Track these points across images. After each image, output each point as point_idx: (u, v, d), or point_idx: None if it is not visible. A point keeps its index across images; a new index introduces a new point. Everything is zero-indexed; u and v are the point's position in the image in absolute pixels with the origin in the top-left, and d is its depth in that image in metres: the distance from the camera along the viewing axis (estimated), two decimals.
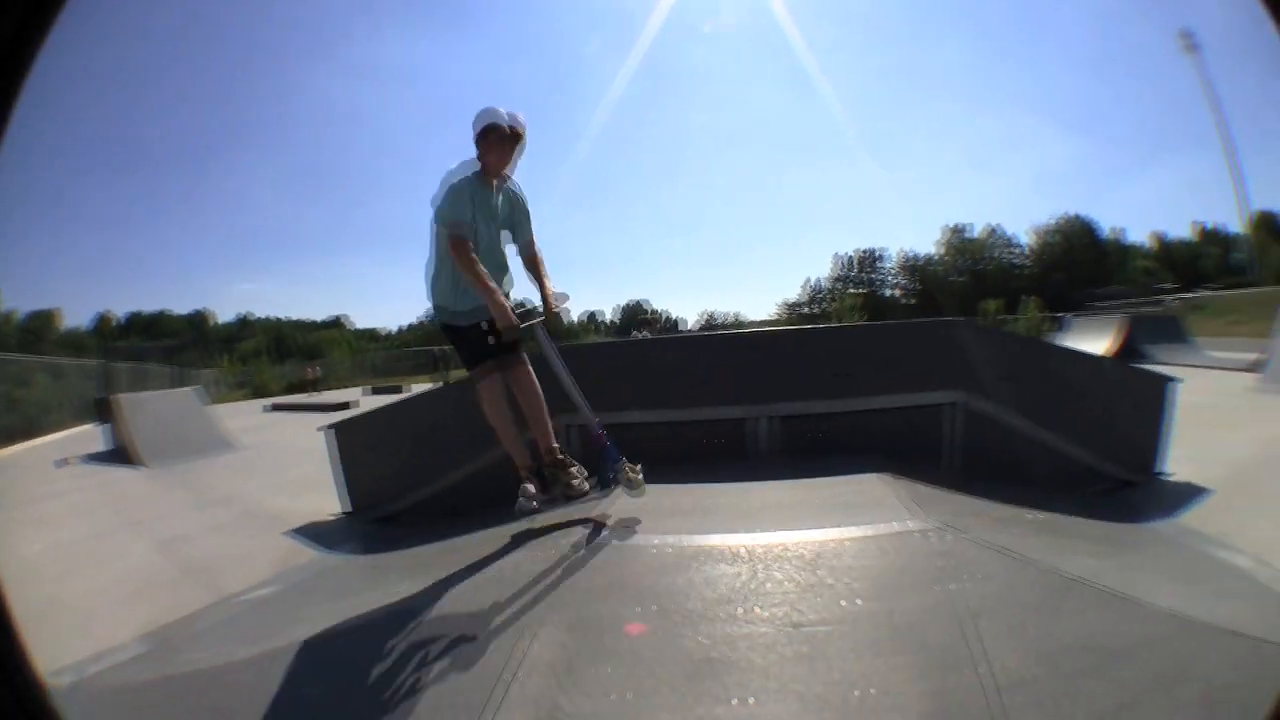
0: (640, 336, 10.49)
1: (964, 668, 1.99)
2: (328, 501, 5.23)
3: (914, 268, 70.33)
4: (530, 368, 3.18)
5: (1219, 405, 10.23)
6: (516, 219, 3.19)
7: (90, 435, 10.11)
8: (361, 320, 70.62)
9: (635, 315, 65.28)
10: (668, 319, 66.03)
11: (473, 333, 3.02)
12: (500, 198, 3.08)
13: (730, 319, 68.56)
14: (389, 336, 67.22)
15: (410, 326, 65.06)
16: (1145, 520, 4.65)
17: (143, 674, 2.32)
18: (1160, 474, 5.51)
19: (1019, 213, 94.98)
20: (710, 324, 66.73)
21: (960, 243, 69.27)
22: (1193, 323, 27.22)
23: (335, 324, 66.86)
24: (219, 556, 4.27)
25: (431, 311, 3.24)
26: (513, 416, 3.13)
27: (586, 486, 3.16)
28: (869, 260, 71.83)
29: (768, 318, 65.89)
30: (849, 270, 71.83)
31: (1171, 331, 18.42)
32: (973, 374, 5.04)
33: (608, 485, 3.25)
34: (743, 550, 2.82)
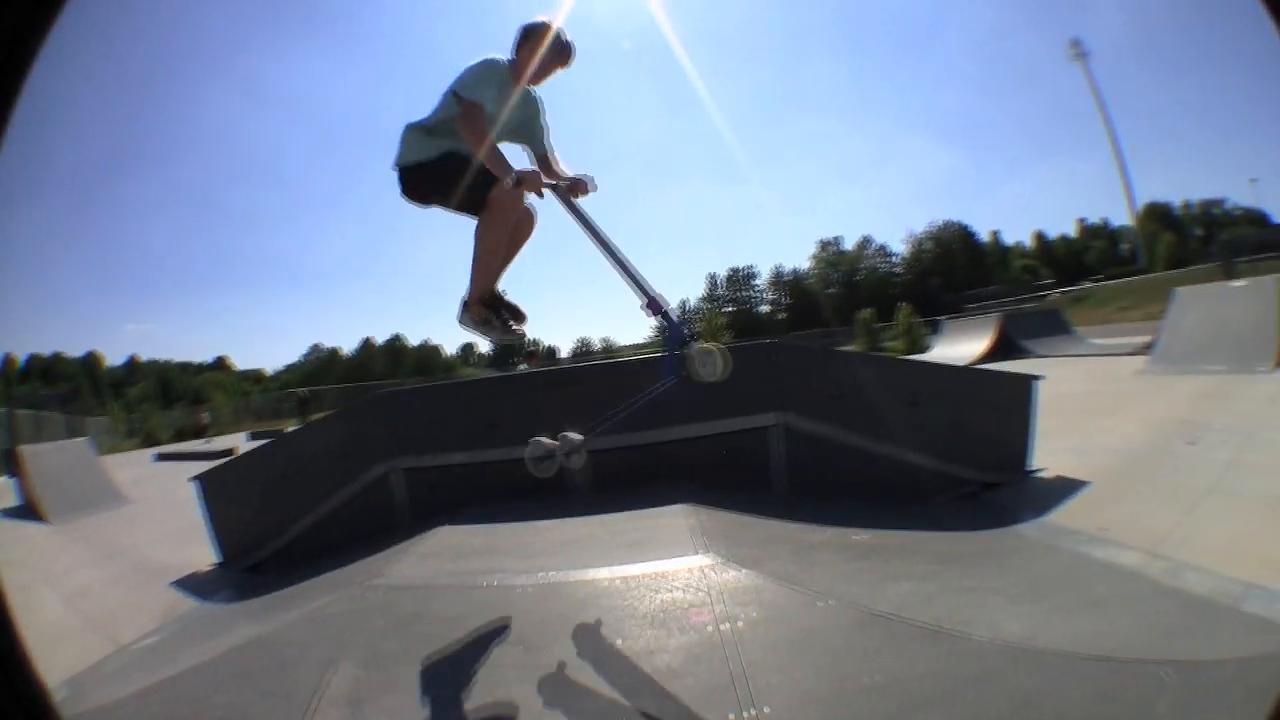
0: (522, 368, 12.20)
1: (728, 712, 2.31)
2: (207, 552, 6.48)
3: (785, 283, 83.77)
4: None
5: (1104, 391, 12.29)
6: (537, 127, 3.82)
7: (3, 488, 11.84)
8: (244, 361, 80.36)
9: (510, 346, 75.98)
10: (545, 349, 74.11)
11: (460, 162, 3.53)
12: (520, 101, 3.61)
13: (602, 345, 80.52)
14: (271, 377, 77.86)
15: (289, 366, 77.03)
16: (1009, 524, 5.40)
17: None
18: (1031, 472, 6.41)
19: (897, 223, 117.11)
20: (583, 351, 78.94)
21: (832, 255, 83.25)
22: (1078, 313, 32.52)
23: (219, 365, 77.95)
24: (116, 609, 5.37)
25: (400, 173, 3.75)
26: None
27: (524, 329, 3.89)
28: (741, 278, 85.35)
29: (640, 341, 72.91)
30: (720, 289, 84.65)
31: (1052, 324, 22.53)
32: (795, 394, 5.94)
33: (675, 369, 3.91)
34: (526, 589, 3.66)
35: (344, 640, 3.18)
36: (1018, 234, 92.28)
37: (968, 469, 6.28)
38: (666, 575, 3.53)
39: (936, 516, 5.66)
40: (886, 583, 3.77)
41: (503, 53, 3.70)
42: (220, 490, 6.43)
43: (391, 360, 77.97)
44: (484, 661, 2.86)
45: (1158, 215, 75.89)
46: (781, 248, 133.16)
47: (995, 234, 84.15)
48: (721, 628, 2.92)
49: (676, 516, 4.57)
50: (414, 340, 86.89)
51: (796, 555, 4.15)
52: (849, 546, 4.53)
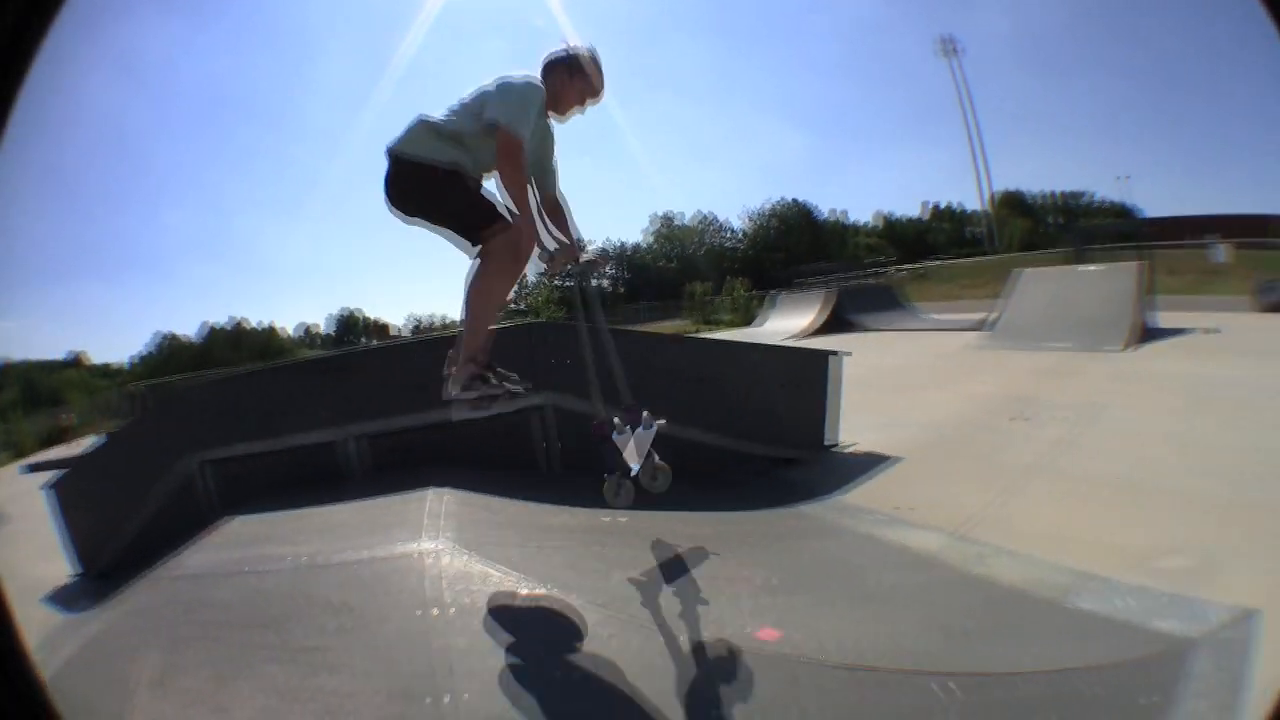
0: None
1: (425, 698, 2.88)
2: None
3: (621, 257, 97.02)
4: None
5: (934, 366, 14.22)
6: (550, 166, 4.56)
7: None
8: (99, 354, 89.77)
9: (349, 324, 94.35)
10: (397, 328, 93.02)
11: (470, 182, 4.08)
12: (540, 134, 4.32)
13: (438, 322, 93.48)
14: (124, 371, 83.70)
15: (142, 357, 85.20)
16: (796, 503, 6.28)
17: None
18: (832, 448, 7.75)
19: (742, 202, 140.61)
20: (418, 329, 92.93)
21: (670, 230, 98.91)
22: (921, 289, 39.13)
23: (75, 363, 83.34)
24: None
25: (394, 161, 4.08)
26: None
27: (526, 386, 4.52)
28: None
29: None
30: None
31: (887, 299, 28.25)
32: (562, 374, 6.76)
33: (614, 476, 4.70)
34: (282, 575, 4.55)
35: (149, 631, 4.19)
36: (864, 215, 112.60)
37: (760, 446, 7.50)
38: (392, 559, 4.32)
39: (718, 496, 6.48)
40: (616, 570, 4.38)
41: (529, 77, 4.18)
42: (69, 496, 7.75)
43: (233, 346, 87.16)
44: (245, 644, 3.70)
45: (1012, 203, 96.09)
46: (621, 223, 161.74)
47: (840, 213, 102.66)
48: (432, 613, 3.54)
49: (423, 501, 5.38)
50: (256, 323, 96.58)
51: (531, 540, 4.92)
52: (594, 529, 5.25)
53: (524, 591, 3.81)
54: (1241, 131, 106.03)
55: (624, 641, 3.40)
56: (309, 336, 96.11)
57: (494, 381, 4.28)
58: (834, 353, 8.19)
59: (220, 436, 7.43)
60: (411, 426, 7.00)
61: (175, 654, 3.70)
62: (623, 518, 5.22)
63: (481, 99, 4.00)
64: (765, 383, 7.98)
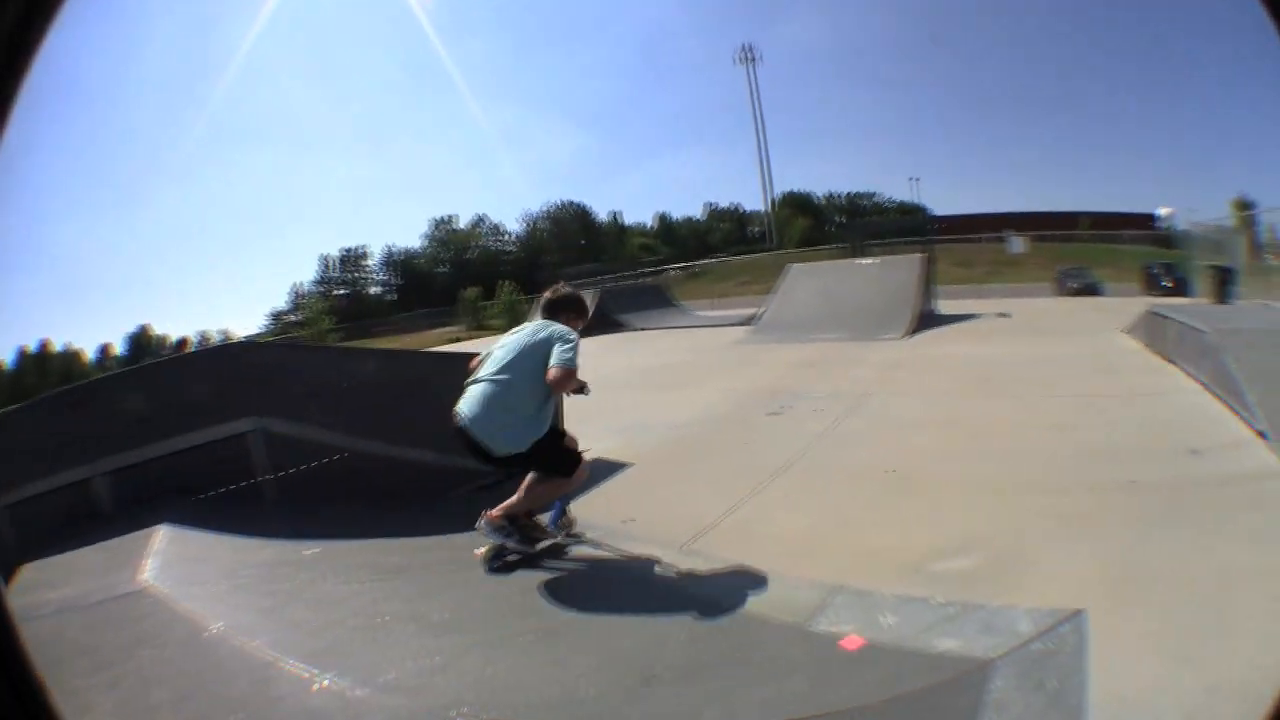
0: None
1: None
2: None
3: (397, 263, 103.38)
4: None
5: (694, 363, 14.49)
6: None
7: None
8: None
9: (142, 344, 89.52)
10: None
11: (554, 436, 5.31)
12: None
13: (219, 336, 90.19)
14: None
15: None
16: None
17: None
18: None
19: (518, 205, 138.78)
20: (204, 343, 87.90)
21: (445, 234, 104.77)
22: (696, 287, 41.16)
23: None
24: None
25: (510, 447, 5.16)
26: None
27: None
28: (352, 259, 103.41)
29: (258, 331, 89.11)
30: (333, 271, 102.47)
31: (655, 298, 30.36)
32: (269, 397, 6.93)
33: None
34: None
35: None
36: (642, 216, 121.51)
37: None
38: (118, 600, 4.31)
39: (416, 520, 6.42)
40: (288, 606, 4.36)
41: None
42: None
43: (40, 372, 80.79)
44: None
45: (795, 203, 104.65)
46: (396, 228, 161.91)
47: (616, 214, 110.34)
48: (147, 654, 3.63)
49: (148, 538, 5.32)
50: (63, 345, 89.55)
51: (229, 576, 4.83)
52: (290, 563, 5.18)
53: (198, 635, 3.84)
54: (1035, 135, 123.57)
55: (292, 689, 3.29)
56: (105, 359, 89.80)
57: (532, 531, 5.35)
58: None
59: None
60: (153, 457, 6.80)
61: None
62: (319, 549, 5.38)
63: (542, 349, 5.12)
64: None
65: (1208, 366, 8.44)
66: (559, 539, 5.50)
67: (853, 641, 3.55)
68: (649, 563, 4.90)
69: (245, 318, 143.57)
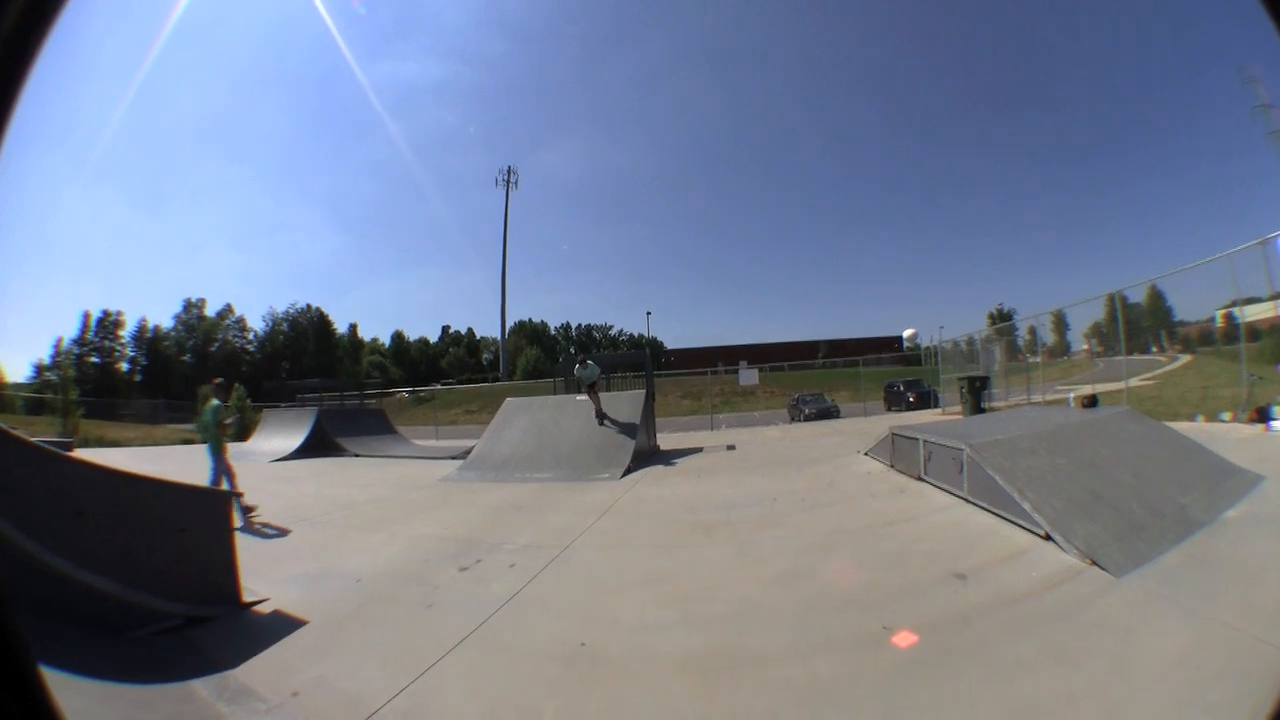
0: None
1: None
2: None
3: (146, 340, 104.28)
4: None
5: (396, 500, 13.51)
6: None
7: None
8: None
9: None
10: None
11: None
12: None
13: None
14: None
15: None
16: (185, 677, 5.70)
17: None
18: (250, 605, 7.36)
19: (265, 299, 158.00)
20: None
21: (193, 319, 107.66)
22: (420, 413, 40.85)
23: None
24: None
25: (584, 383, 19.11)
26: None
27: None
28: (109, 325, 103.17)
29: (24, 380, 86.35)
30: (89, 334, 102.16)
31: (376, 424, 30.29)
32: None
33: None
34: None
35: None
36: (381, 330, 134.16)
37: (161, 599, 7.03)
38: None
39: (113, 655, 6.01)
40: None
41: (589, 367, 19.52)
42: None
43: None
44: None
45: (528, 332, 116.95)
46: (153, 300, 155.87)
47: (354, 326, 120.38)
48: None
49: None
50: None
51: None
52: None
53: None
54: (764, 270, 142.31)
55: None
56: None
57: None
58: (233, 494, 8.79)
59: None
60: None
61: None
62: None
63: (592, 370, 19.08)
64: (167, 523, 7.53)
65: (965, 480, 8.55)
66: None
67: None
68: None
69: (11, 355, 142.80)
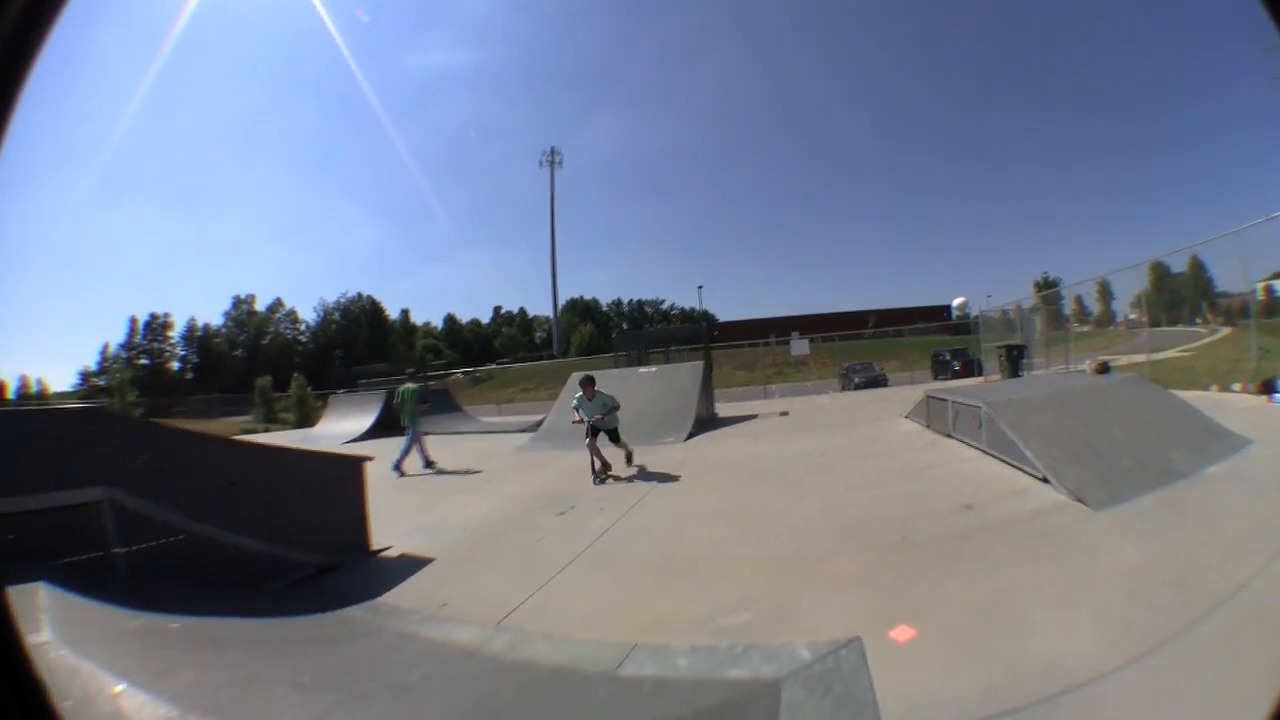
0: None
1: None
2: None
3: (196, 339, 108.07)
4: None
5: (482, 467, 15.01)
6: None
7: None
8: None
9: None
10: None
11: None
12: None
13: (37, 385, 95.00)
14: None
15: None
16: (338, 607, 6.80)
17: None
18: (375, 553, 8.63)
19: (319, 288, 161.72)
20: (24, 390, 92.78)
21: (244, 315, 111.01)
22: (480, 392, 41.73)
23: None
24: None
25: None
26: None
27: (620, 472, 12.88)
28: (157, 327, 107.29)
29: (69, 389, 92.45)
30: (138, 337, 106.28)
31: (442, 404, 30.45)
32: (116, 467, 7.14)
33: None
34: None
35: None
36: (431, 314, 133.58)
37: (299, 552, 8.00)
38: None
39: (265, 603, 6.95)
40: (175, 672, 4.67)
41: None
42: None
43: None
44: None
45: (580, 309, 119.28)
46: (198, 299, 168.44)
47: (406, 312, 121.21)
48: (64, 703, 3.68)
49: (30, 595, 5.35)
50: None
51: (109, 641, 4.99)
52: (160, 632, 5.49)
53: (113, 689, 4.10)
54: (825, 237, 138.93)
55: None
56: None
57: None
58: (367, 458, 9.31)
59: None
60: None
61: None
62: (177, 625, 5.66)
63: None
64: (303, 488, 8.73)
65: (984, 435, 9.85)
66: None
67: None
68: (474, 631, 5.74)
69: (49, 364, 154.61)
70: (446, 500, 11.34)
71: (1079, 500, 7.02)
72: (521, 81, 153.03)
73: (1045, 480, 7.75)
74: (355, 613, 6.75)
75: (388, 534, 8.90)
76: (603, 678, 4.39)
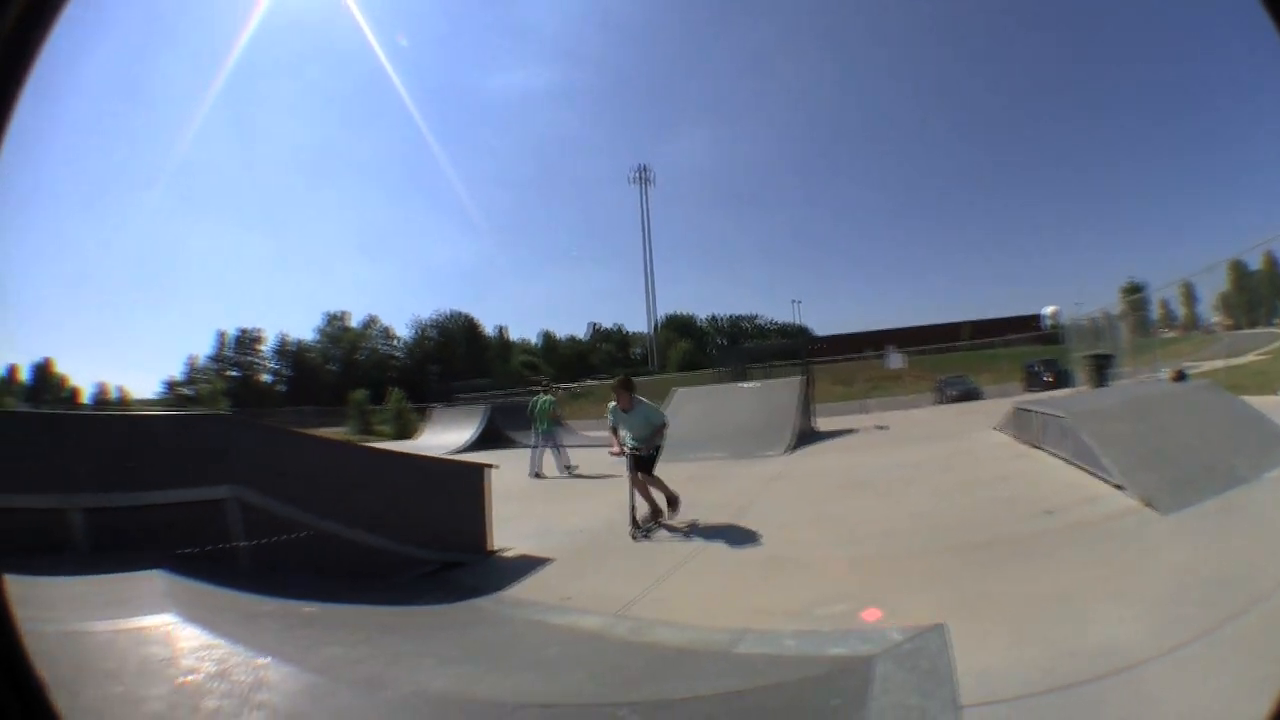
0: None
1: None
2: None
3: (289, 353, 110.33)
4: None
5: (586, 477, 16.18)
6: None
7: None
8: None
9: (45, 378, 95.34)
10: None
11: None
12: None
13: (117, 392, 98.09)
14: None
15: None
16: (464, 599, 7.55)
17: None
18: (494, 552, 9.36)
19: (404, 306, 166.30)
20: (102, 395, 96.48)
21: (337, 331, 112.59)
22: (579, 407, 40.31)
23: None
24: None
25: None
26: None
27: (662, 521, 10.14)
28: (247, 341, 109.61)
29: (153, 397, 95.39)
30: (229, 350, 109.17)
31: None
32: (244, 467, 7.86)
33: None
34: (51, 637, 4.84)
35: None
36: (527, 331, 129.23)
37: (424, 549, 8.78)
38: (144, 630, 4.99)
39: (391, 593, 7.72)
40: (321, 646, 5.45)
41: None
42: None
43: None
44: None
45: (677, 325, 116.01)
46: (292, 313, 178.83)
47: (502, 328, 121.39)
48: (187, 679, 4.30)
49: (152, 580, 6.08)
50: None
51: (246, 621, 5.77)
52: (293, 615, 6.23)
53: (255, 662, 4.65)
54: (918, 249, 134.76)
55: (338, 702, 4.49)
56: (11, 381, 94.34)
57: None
58: (489, 465, 9.93)
59: None
60: (126, 506, 7.41)
61: None
62: (313, 610, 6.40)
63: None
64: (428, 491, 9.45)
65: (1068, 444, 10.26)
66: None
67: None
68: (598, 619, 6.31)
69: (133, 374, 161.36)
70: (557, 506, 12.05)
71: (1149, 505, 7.36)
72: (606, 97, 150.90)
73: (1119, 487, 8.09)
74: (482, 603, 7.34)
75: (505, 536, 9.48)
76: (720, 655, 4.99)
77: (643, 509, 9.94)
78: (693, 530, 9.27)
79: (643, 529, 9.62)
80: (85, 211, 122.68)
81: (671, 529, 9.74)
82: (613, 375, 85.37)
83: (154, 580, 6.17)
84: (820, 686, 4.31)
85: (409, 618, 7.00)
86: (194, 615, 5.35)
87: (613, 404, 10.79)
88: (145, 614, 5.33)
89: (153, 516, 7.37)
